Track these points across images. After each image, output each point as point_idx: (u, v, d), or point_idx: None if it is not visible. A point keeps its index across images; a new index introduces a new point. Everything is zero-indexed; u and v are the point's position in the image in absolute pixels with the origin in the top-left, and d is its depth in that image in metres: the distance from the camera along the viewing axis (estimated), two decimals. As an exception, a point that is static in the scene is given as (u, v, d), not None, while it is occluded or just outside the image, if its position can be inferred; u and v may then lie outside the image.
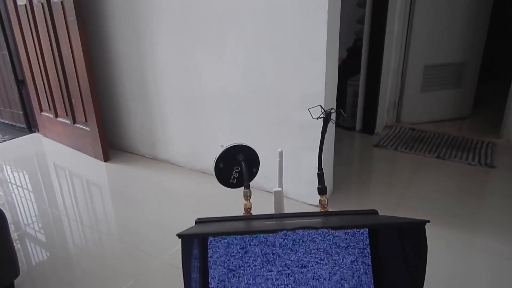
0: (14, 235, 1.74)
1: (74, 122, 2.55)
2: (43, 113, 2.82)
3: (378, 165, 2.36)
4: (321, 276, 0.59)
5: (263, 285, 0.60)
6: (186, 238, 0.52)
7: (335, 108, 0.70)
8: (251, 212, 0.73)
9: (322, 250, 0.61)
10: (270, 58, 1.76)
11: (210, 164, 2.36)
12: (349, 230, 0.61)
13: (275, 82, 1.79)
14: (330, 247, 0.60)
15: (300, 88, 1.72)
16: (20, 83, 2.94)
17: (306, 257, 0.61)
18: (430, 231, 1.55)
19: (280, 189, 0.78)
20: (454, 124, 2.82)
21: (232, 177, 0.79)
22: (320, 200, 0.74)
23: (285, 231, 0.60)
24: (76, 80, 2.34)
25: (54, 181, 2.27)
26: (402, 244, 0.53)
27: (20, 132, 3.10)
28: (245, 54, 1.83)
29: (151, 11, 2.07)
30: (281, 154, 0.78)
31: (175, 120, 2.26)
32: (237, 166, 0.77)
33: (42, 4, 2.32)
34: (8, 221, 1.34)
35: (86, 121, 2.43)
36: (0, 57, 3.03)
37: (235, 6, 1.78)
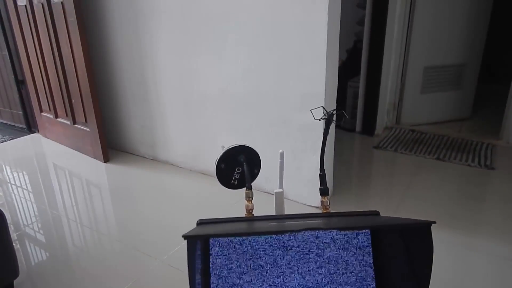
0: (13, 235, 1.74)
1: (74, 122, 2.54)
2: (43, 113, 2.82)
3: (378, 166, 2.36)
4: (323, 277, 0.59)
5: (264, 286, 0.60)
6: (191, 240, 0.52)
7: (336, 109, 0.70)
8: (252, 213, 0.73)
9: (324, 251, 0.61)
10: (270, 60, 1.76)
11: (210, 165, 2.36)
12: (352, 231, 0.61)
13: (275, 83, 1.79)
14: (333, 248, 0.60)
15: (300, 89, 1.72)
16: (20, 83, 2.94)
17: (308, 258, 0.61)
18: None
19: (281, 190, 0.78)
20: (454, 126, 2.82)
21: (233, 178, 0.78)
22: (322, 201, 0.73)
23: (288, 233, 0.60)
24: (76, 80, 2.34)
25: (53, 181, 2.27)
26: (406, 245, 0.53)
27: (20, 132, 3.10)
28: (245, 55, 1.83)
29: (151, 12, 2.07)
30: (282, 155, 0.78)
31: (175, 120, 2.26)
32: (238, 167, 0.77)
33: (42, 4, 2.32)
34: (8, 221, 1.34)
35: (86, 121, 2.43)
36: (0, 57, 3.03)
37: (235, 7, 1.78)
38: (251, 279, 0.60)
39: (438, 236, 1.58)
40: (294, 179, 1.85)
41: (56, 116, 2.69)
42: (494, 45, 3.24)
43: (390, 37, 2.54)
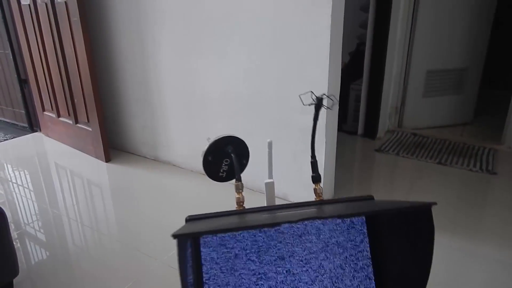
0: (14, 234, 1.74)
1: (76, 122, 2.55)
2: (45, 112, 2.83)
3: (379, 170, 2.36)
4: (319, 267, 0.58)
5: (258, 281, 0.59)
6: (182, 238, 0.51)
7: (326, 94, 0.69)
8: (244, 206, 0.71)
9: (318, 240, 0.60)
10: (273, 62, 1.76)
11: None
12: (346, 221, 0.60)
13: (277, 86, 1.79)
14: (327, 237, 0.59)
15: (303, 92, 1.72)
16: (23, 82, 2.95)
17: (302, 249, 0.60)
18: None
19: (271, 180, 0.76)
20: (456, 130, 2.82)
21: (221, 170, 0.76)
22: (314, 189, 0.72)
23: (281, 225, 0.58)
24: (79, 80, 2.34)
25: (55, 180, 2.27)
26: (406, 229, 0.51)
27: (22, 131, 3.10)
28: (247, 58, 1.83)
29: (154, 12, 2.08)
30: (270, 144, 0.77)
31: (177, 121, 2.26)
32: (226, 158, 0.75)
33: (46, 4, 2.33)
34: (9, 220, 1.34)
35: (88, 121, 2.43)
36: (3, 56, 3.04)
37: (238, 10, 1.78)
38: (244, 274, 0.59)
39: (438, 241, 1.58)
40: (295, 181, 1.85)
41: (58, 115, 2.69)
42: (497, 50, 3.24)
43: (392, 40, 2.54)
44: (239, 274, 0.59)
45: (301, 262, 0.59)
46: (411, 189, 2.03)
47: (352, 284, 0.58)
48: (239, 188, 0.74)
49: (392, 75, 2.68)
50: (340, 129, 2.00)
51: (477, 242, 1.60)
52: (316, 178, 0.72)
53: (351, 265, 0.58)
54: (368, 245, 0.58)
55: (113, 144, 2.66)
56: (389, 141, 2.68)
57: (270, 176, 0.77)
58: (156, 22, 2.10)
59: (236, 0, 1.77)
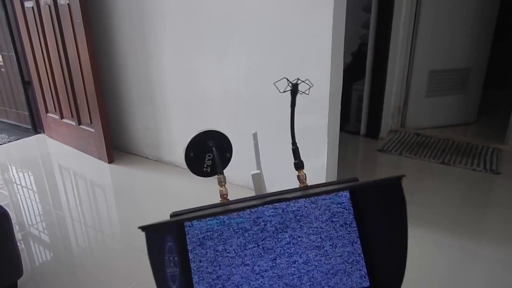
0: (18, 235, 1.75)
1: (79, 123, 2.56)
2: (48, 114, 2.84)
3: (382, 170, 2.35)
4: (307, 251, 0.59)
5: (250, 268, 0.59)
6: (151, 231, 0.50)
7: (300, 79, 0.68)
8: (227, 198, 0.72)
9: (305, 222, 0.61)
10: (274, 62, 1.77)
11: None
12: (331, 198, 0.61)
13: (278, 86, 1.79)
14: (312, 218, 0.59)
15: (303, 94, 1.72)
16: (27, 84, 2.97)
17: (290, 232, 0.60)
18: (433, 237, 1.53)
19: (258, 171, 0.76)
20: (459, 130, 2.81)
21: (205, 166, 0.76)
22: (298, 176, 0.72)
23: (265, 206, 0.58)
24: (82, 81, 2.35)
25: (58, 182, 2.28)
26: (383, 204, 0.54)
27: (25, 133, 3.12)
28: (248, 58, 1.84)
29: (156, 13, 2.08)
30: (255, 136, 0.77)
31: (179, 122, 2.26)
32: (208, 153, 0.75)
33: (49, 6, 2.34)
34: (13, 221, 1.34)
35: (91, 122, 2.44)
36: (7, 58, 3.06)
37: (239, 11, 1.78)
38: (233, 263, 0.59)
39: (441, 240, 1.58)
40: (295, 182, 1.85)
41: (62, 117, 2.70)
42: (500, 50, 3.22)
43: (395, 40, 2.53)
44: (230, 264, 0.59)
45: (294, 247, 0.59)
46: (414, 189, 2.03)
47: (342, 261, 0.59)
48: (221, 181, 0.74)
49: (395, 75, 2.67)
50: (342, 129, 2.00)
51: (479, 242, 1.59)
52: (298, 165, 0.73)
53: (341, 243, 0.59)
54: (355, 223, 0.59)
55: (116, 145, 2.67)
56: (391, 141, 2.67)
57: (258, 168, 0.77)
58: (158, 22, 2.10)
59: (236, 0, 1.77)
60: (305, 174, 0.70)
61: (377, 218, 0.56)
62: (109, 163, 2.46)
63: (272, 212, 0.61)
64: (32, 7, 2.47)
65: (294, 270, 0.59)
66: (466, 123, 2.90)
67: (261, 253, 0.60)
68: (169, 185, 2.19)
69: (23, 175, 2.38)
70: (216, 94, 2.02)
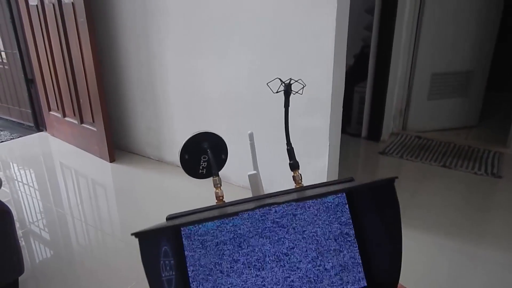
0: (19, 232, 1.75)
1: (82, 122, 2.57)
2: (51, 112, 2.85)
3: (383, 172, 2.35)
4: (305, 254, 0.59)
5: (246, 269, 0.59)
6: (144, 237, 0.50)
7: (294, 78, 0.68)
8: (223, 200, 0.72)
9: (300, 224, 0.61)
10: (274, 63, 1.77)
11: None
12: (328, 200, 0.61)
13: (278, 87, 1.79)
14: (311, 220, 0.60)
15: (306, 94, 1.72)
16: (29, 82, 2.98)
17: (284, 235, 0.61)
18: (433, 239, 1.53)
19: (254, 172, 0.76)
20: (461, 133, 2.81)
21: (201, 167, 0.77)
22: (294, 176, 0.72)
23: (262, 208, 0.58)
24: (85, 80, 2.36)
25: (59, 180, 2.29)
26: (378, 205, 0.55)
27: (28, 130, 3.13)
28: (249, 59, 1.84)
29: (159, 13, 2.09)
30: (251, 136, 0.77)
31: (181, 122, 2.27)
32: (204, 155, 0.75)
33: (53, 4, 2.35)
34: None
35: (93, 121, 2.45)
36: (10, 56, 3.07)
37: (242, 11, 1.79)
38: (230, 266, 0.59)
39: (442, 244, 1.58)
40: (298, 183, 1.85)
41: (64, 115, 2.71)
42: (501, 50, 3.21)
43: (397, 42, 2.53)
44: (227, 268, 0.59)
45: (285, 247, 0.60)
46: (415, 192, 2.03)
47: (339, 262, 0.59)
48: (217, 183, 0.74)
49: (397, 78, 2.67)
50: (343, 131, 2.00)
51: (480, 245, 1.59)
52: (293, 165, 0.73)
53: (337, 243, 0.59)
54: (352, 225, 0.60)
55: (118, 145, 2.67)
56: (393, 143, 2.67)
57: (255, 168, 0.77)
58: (161, 22, 2.11)
59: (236, 0, 1.78)
60: (300, 174, 0.71)
61: (372, 218, 0.57)
62: (110, 162, 2.47)
63: (266, 215, 0.61)
64: (36, 5, 2.49)
65: (289, 272, 0.59)
66: (468, 126, 2.89)
67: (256, 255, 0.60)
68: (170, 185, 2.19)
69: (25, 172, 2.39)
70: (217, 94, 2.03)
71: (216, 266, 0.60)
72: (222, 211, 0.61)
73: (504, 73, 3.51)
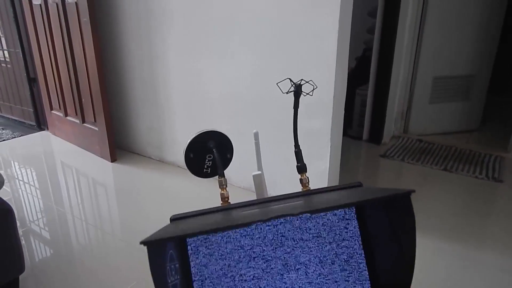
0: (19, 231, 1.75)
1: (83, 121, 2.57)
2: (53, 111, 2.86)
3: (384, 175, 2.35)
4: (312, 262, 0.58)
5: (252, 280, 0.59)
6: (153, 244, 0.50)
7: (304, 79, 0.68)
8: (229, 201, 0.71)
9: (310, 234, 0.60)
10: (275, 63, 1.77)
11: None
12: (339, 212, 0.60)
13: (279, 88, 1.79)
14: (318, 230, 0.59)
15: (308, 96, 1.72)
16: (32, 81, 2.99)
17: (292, 243, 0.60)
18: (433, 244, 1.53)
19: (259, 172, 0.75)
20: (462, 137, 2.80)
21: (205, 166, 0.75)
22: (301, 179, 0.71)
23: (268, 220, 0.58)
24: (87, 80, 2.37)
25: (60, 179, 2.29)
26: (389, 217, 0.52)
27: (29, 129, 3.14)
28: (251, 59, 1.84)
29: (162, 14, 2.10)
30: (256, 135, 0.76)
31: (182, 122, 2.27)
32: (209, 154, 0.74)
33: (56, 4, 2.36)
34: (15, 217, 1.35)
35: (95, 121, 2.45)
36: (13, 55, 3.08)
37: (242, 12, 1.79)
38: (236, 273, 0.59)
39: (442, 248, 1.58)
40: (298, 185, 1.85)
41: (66, 114, 2.72)
42: (503, 54, 3.21)
43: (400, 46, 2.53)
44: (233, 275, 0.59)
45: (297, 257, 0.59)
46: (416, 196, 2.02)
47: (346, 272, 0.59)
48: (222, 184, 0.73)
49: (399, 81, 2.67)
50: (344, 134, 2.00)
51: (481, 250, 1.59)
52: (301, 168, 0.72)
53: (343, 255, 0.59)
54: (359, 235, 0.59)
55: (119, 144, 2.68)
56: (394, 146, 2.67)
57: (259, 168, 0.76)
58: (164, 23, 2.11)
59: (237, 0, 1.78)
60: (308, 177, 0.70)
61: (382, 230, 0.55)
62: (111, 161, 2.47)
63: (276, 226, 0.60)
64: (40, 5, 2.49)
65: (297, 281, 0.59)
66: (469, 130, 2.89)
67: (263, 262, 0.60)
68: (170, 185, 2.19)
69: (26, 171, 2.40)
70: (217, 94, 2.03)
71: (221, 273, 0.59)
72: (228, 215, 0.60)
73: (505, 76, 3.51)
